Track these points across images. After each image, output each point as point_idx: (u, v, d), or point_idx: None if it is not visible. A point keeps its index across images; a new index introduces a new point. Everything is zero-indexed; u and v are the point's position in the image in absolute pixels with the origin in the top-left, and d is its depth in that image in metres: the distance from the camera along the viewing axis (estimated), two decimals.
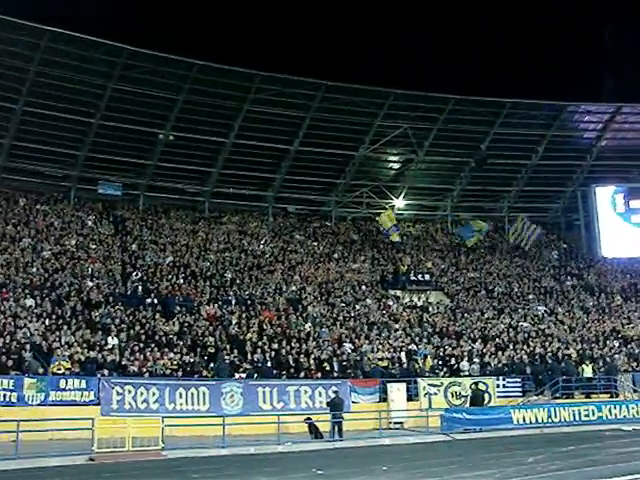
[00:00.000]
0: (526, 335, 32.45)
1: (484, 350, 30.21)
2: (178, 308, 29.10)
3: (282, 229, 41.40)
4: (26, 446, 17.69)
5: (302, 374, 26.14)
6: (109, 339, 25.36)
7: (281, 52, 39.48)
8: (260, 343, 27.39)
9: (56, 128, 35.34)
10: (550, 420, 25.06)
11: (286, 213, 43.57)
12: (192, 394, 23.63)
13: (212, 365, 25.54)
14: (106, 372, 23.50)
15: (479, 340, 31.19)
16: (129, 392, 22.85)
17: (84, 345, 24.60)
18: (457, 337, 31.34)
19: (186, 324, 27.93)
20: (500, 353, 30.05)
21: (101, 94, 34.94)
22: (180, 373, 24.68)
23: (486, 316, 34.41)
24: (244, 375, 25.32)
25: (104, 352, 24.49)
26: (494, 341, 31.31)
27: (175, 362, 25.01)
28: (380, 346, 29.13)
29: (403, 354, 28.88)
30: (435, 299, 36.31)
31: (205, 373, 25.14)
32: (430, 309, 34.64)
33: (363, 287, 35.91)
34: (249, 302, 31.31)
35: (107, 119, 35.83)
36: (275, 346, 27.38)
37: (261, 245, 38.47)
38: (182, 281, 31.79)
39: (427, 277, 38.22)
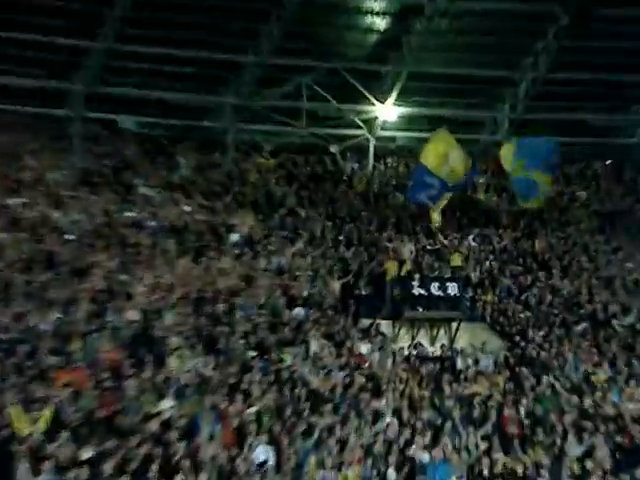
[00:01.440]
0: None
1: (588, 466, 29.69)
2: None
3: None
4: None
5: None
6: None
7: None
8: None
9: None
10: None
11: (115, 131, 43.84)
12: None
13: None
14: None
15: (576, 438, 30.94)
16: None
17: None
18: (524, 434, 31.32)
19: None
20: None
21: None
22: None
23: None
24: None
25: None
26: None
27: None
28: (343, 453, 28.61)
29: (391, 471, 28.68)
30: (471, 340, 36.73)
31: None
32: (460, 363, 35.36)
33: (299, 311, 35.99)
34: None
35: None
36: None
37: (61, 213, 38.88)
38: None
39: (452, 288, 37.84)
